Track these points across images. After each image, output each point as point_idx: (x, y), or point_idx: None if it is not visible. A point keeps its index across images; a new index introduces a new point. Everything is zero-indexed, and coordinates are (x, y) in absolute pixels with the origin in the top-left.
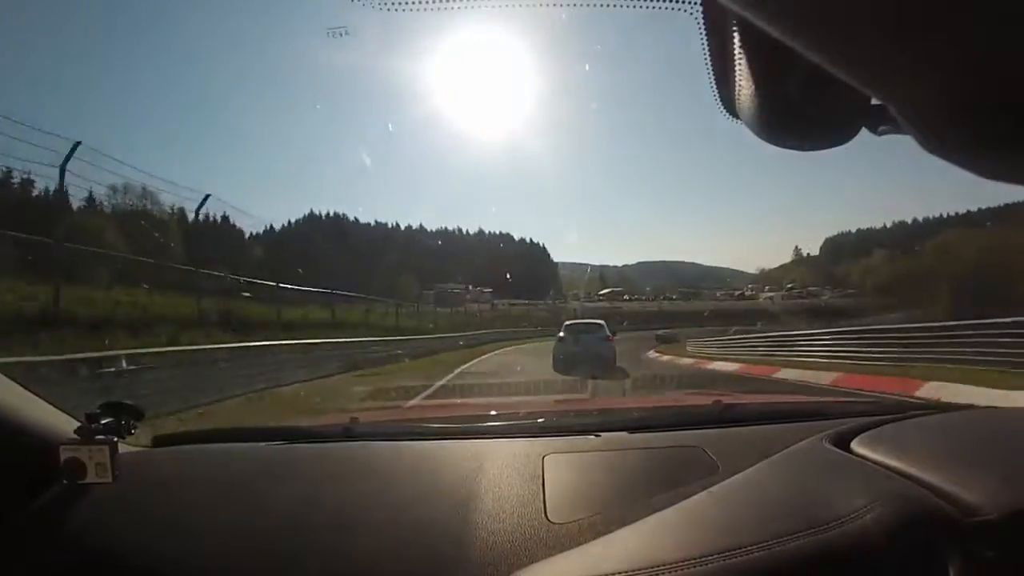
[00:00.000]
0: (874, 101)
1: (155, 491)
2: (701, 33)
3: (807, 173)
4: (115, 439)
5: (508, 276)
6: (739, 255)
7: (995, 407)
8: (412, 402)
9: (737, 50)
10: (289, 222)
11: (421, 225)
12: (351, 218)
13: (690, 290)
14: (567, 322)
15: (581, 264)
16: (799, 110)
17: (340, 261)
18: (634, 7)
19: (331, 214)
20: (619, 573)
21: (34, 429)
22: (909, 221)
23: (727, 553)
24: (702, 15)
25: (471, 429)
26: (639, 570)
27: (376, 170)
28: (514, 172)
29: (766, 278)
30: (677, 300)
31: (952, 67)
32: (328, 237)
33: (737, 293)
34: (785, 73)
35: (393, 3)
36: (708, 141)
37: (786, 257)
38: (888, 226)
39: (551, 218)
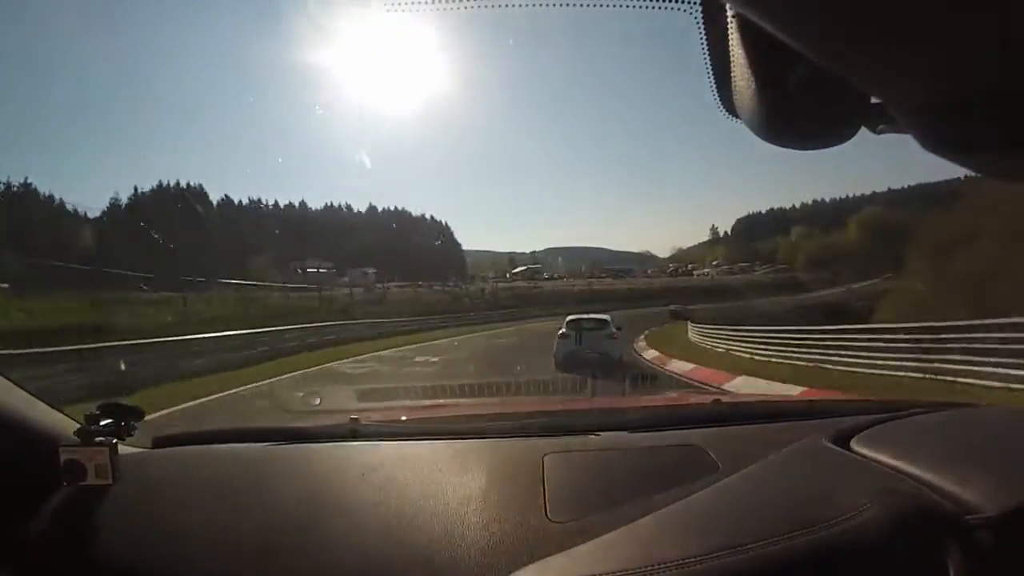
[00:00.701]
0: (873, 100)
1: (155, 492)
2: (701, 33)
3: (718, 157)
4: (115, 440)
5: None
6: (650, 239)
7: (995, 405)
8: (412, 403)
9: (737, 50)
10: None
11: (303, 202)
12: (213, 193)
13: (621, 268)
14: (569, 317)
15: (489, 251)
16: (799, 110)
17: (190, 241)
18: (634, 7)
19: (188, 185)
20: (619, 572)
21: (34, 431)
22: (821, 200)
23: (727, 552)
24: (702, 15)
25: (471, 429)
26: (639, 569)
27: (250, 142)
28: (419, 153)
29: (685, 257)
30: (606, 278)
31: (951, 66)
32: (180, 215)
33: (670, 269)
34: (785, 73)
35: (393, 3)
36: (619, 128)
37: (703, 237)
38: (797, 206)
39: (457, 204)
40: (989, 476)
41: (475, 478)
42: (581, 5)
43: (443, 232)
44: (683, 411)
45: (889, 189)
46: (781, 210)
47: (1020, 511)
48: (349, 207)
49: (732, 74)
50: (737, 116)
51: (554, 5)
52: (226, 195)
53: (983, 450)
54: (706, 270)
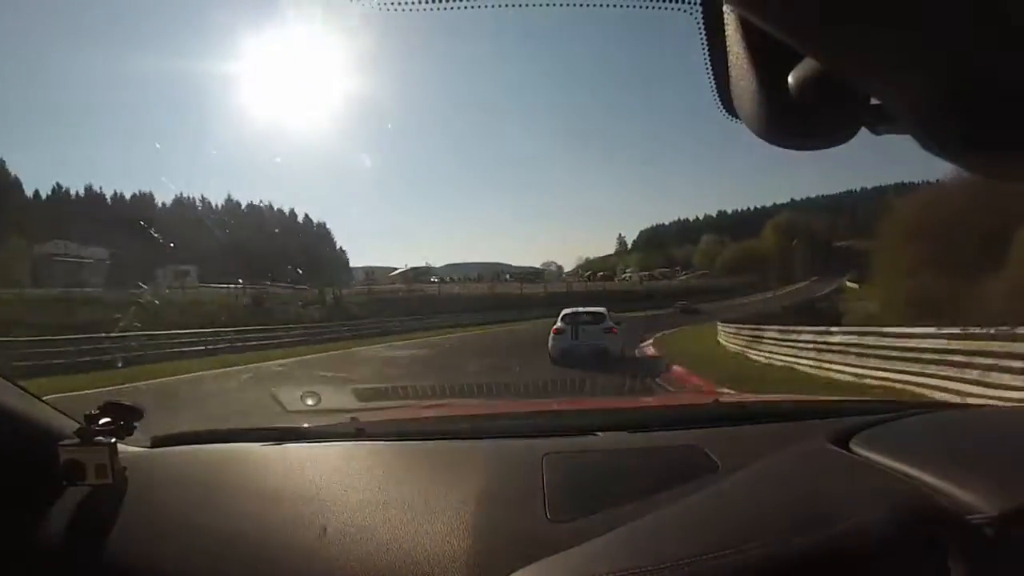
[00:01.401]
0: (874, 100)
1: (155, 492)
2: (701, 33)
3: (622, 172)
4: (114, 440)
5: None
6: (553, 252)
7: (994, 406)
8: (412, 403)
9: (737, 50)
10: None
11: (151, 193)
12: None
13: (530, 269)
14: (564, 311)
15: (385, 267)
16: (799, 110)
17: None
18: (634, 7)
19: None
20: (619, 572)
21: (33, 430)
22: (723, 212)
23: (727, 552)
24: (702, 15)
25: (471, 429)
26: (640, 569)
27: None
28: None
29: (594, 266)
30: (512, 281)
31: (951, 67)
32: None
33: (588, 273)
34: (785, 73)
35: (393, 3)
36: (523, 140)
37: (607, 249)
38: (700, 217)
39: (354, 222)
40: (988, 476)
41: (475, 478)
42: (581, 5)
43: (321, 232)
44: (683, 411)
45: (792, 200)
46: (686, 220)
47: (1019, 511)
48: (206, 201)
49: (732, 74)
50: (737, 116)
51: (562, 5)
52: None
53: (982, 451)
54: (627, 275)
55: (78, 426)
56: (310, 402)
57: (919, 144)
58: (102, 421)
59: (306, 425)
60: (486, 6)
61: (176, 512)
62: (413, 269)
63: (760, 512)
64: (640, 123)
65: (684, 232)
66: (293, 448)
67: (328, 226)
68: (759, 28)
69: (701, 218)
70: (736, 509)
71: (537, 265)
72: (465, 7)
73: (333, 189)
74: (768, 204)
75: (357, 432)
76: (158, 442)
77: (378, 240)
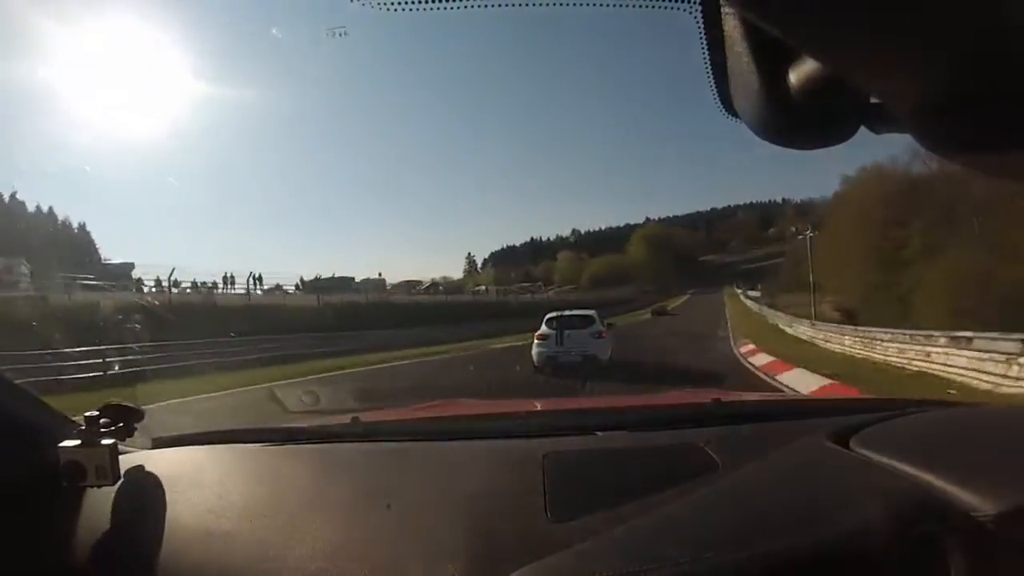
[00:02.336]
0: (873, 100)
1: (156, 493)
2: (701, 33)
3: (472, 197)
4: (115, 441)
5: None
6: (404, 271)
7: (996, 404)
8: (412, 403)
9: (737, 50)
10: None
11: None
12: None
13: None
14: (548, 315)
15: None
16: (799, 110)
17: None
18: (634, 7)
19: None
20: (620, 572)
21: (33, 431)
22: (576, 230)
23: (728, 551)
24: (702, 15)
25: (472, 429)
26: (640, 569)
27: None
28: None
29: (450, 284)
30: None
31: (950, 66)
32: None
33: (426, 286)
34: (785, 73)
35: (393, 3)
36: (373, 159)
37: (457, 269)
38: (551, 238)
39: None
40: (989, 475)
41: (475, 478)
42: (581, 5)
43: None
44: (683, 411)
45: (647, 219)
46: (539, 240)
47: (1020, 510)
48: None
49: (732, 74)
50: (737, 116)
51: (561, 5)
52: None
53: (983, 449)
54: (480, 288)
55: (79, 427)
56: (317, 401)
57: (918, 142)
58: (102, 422)
59: (306, 425)
60: (485, 6)
61: (177, 513)
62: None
63: (760, 511)
64: (496, 149)
65: (538, 250)
66: (294, 448)
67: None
68: (759, 27)
69: (553, 238)
70: (736, 508)
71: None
72: (465, 7)
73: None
74: (622, 224)
75: (357, 432)
76: (159, 443)
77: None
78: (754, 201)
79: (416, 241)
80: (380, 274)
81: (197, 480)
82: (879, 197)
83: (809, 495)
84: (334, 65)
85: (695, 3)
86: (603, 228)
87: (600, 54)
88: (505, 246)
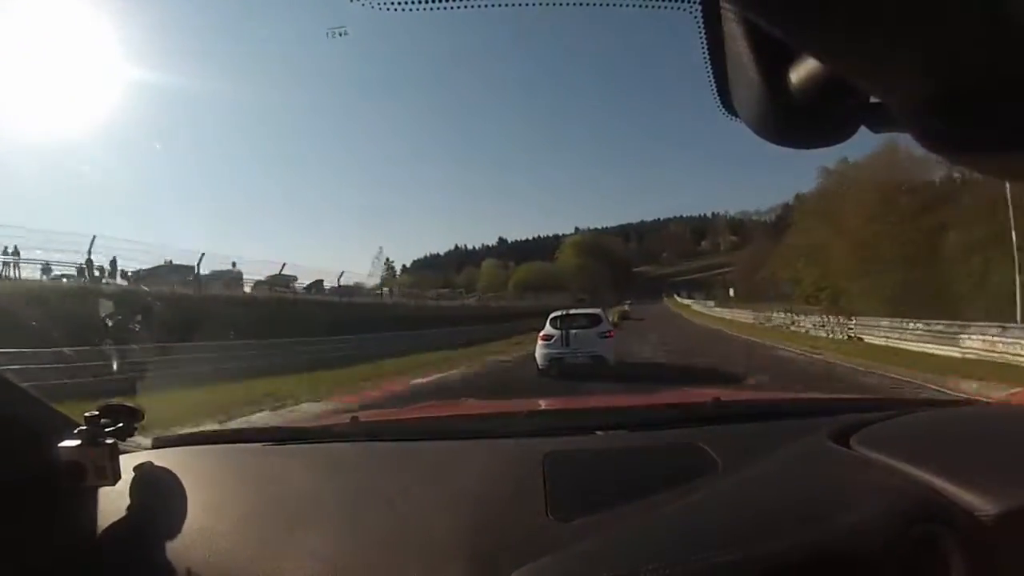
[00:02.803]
0: (873, 99)
1: (155, 493)
2: (701, 33)
3: (393, 205)
4: (115, 441)
5: None
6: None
7: (996, 403)
8: (412, 403)
9: (737, 50)
10: None
11: None
12: None
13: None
14: (553, 314)
15: None
16: (799, 109)
17: None
18: (634, 7)
19: None
20: (620, 572)
21: (33, 431)
22: (503, 239)
23: (728, 551)
24: (702, 15)
25: (472, 428)
26: (640, 569)
27: None
28: None
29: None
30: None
31: (951, 65)
32: None
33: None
34: (785, 72)
35: (393, 3)
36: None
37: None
38: (477, 247)
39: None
40: (990, 474)
41: (475, 478)
42: (580, 4)
43: None
44: (683, 410)
45: (576, 229)
46: (462, 249)
47: (1021, 510)
48: None
49: (731, 73)
50: (737, 116)
51: (561, 5)
52: None
53: (984, 448)
54: (382, 291)
55: (79, 427)
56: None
57: (918, 142)
58: (103, 422)
59: (306, 425)
60: (484, 6)
61: (177, 513)
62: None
63: (761, 511)
64: (424, 160)
65: (463, 259)
66: (294, 448)
67: None
68: (759, 27)
69: (479, 247)
70: (737, 508)
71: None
72: (465, 7)
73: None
74: (550, 234)
75: (357, 432)
76: (159, 443)
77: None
78: (683, 215)
79: (339, 247)
80: (234, 265)
81: (197, 480)
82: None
83: (810, 494)
84: (255, 51)
85: (695, 3)
86: (531, 238)
87: (524, 63)
88: (429, 254)
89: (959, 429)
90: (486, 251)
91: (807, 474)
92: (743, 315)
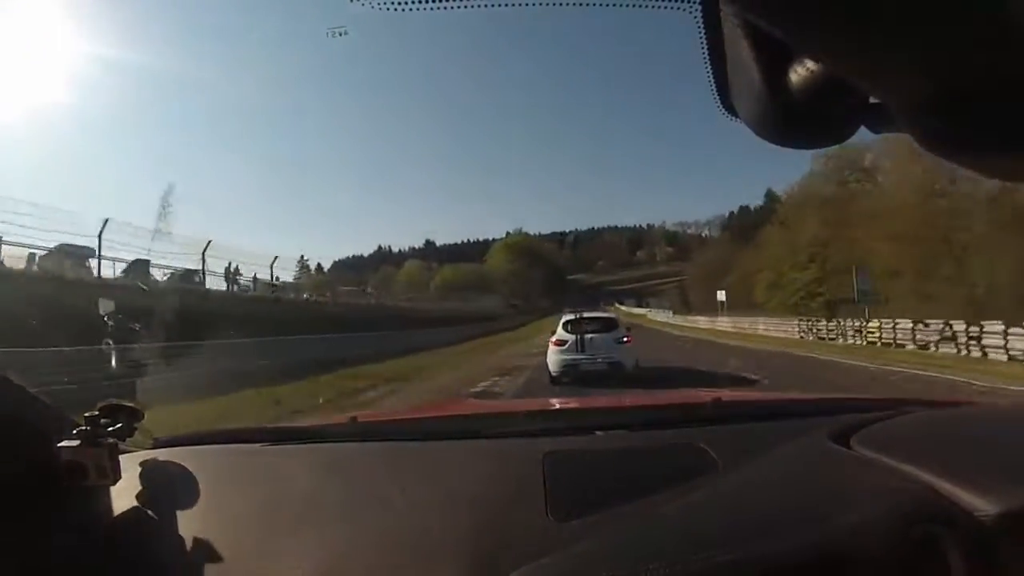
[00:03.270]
0: (873, 100)
1: (156, 492)
2: (701, 33)
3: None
4: (115, 441)
5: None
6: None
7: (997, 403)
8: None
9: (737, 50)
10: None
11: None
12: None
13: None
14: (565, 317)
15: None
16: (799, 109)
17: None
18: (634, 7)
19: None
20: (620, 572)
21: (33, 430)
22: (430, 242)
23: (728, 551)
24: (702, 15)
25: (471, 428)
26: (640, 569)
27: None
28: None
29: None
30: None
31: (951, 65)
32: None
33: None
34: (785, 73)
35: (393, 3)
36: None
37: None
38: (404, 249)
39: None
40: (991, 475)
41: (475, 478)
42: (580, 4)
43: None
44: (683, 410)
45: (508, 232)
46: (385, 250)
47: (1022, 510)
48: None
49: (732, 74)
50: (737, 116)
51: (561, 5)
52: None
53: (985, 449)
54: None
55: (79, 427)
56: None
57: (918, 143)
58: (103, 422)
59: (306, 425)
60: (484, 6)
61: (176, 513)
62: None
63: (761, 511)
64: (344, 162)
65: (387, 260)
66: (293, 448)
67: None
68: (759, 28)
69: (406, 249)
70: (736, 508)
71: None
72: (465, 7)
73: None
74: (481, 238)
75: (357, 432)
76: (159, 443)
77: None
78: (618, 225)
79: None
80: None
81: (197, 480)
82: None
83: (810, 494)
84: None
85: (695, 3)
86: (460, 242)
87: (453, 66)
88: (352, 255)
89: (960, 429)
90: (412, 253)
91: (807, 474)
92: (739, 325)
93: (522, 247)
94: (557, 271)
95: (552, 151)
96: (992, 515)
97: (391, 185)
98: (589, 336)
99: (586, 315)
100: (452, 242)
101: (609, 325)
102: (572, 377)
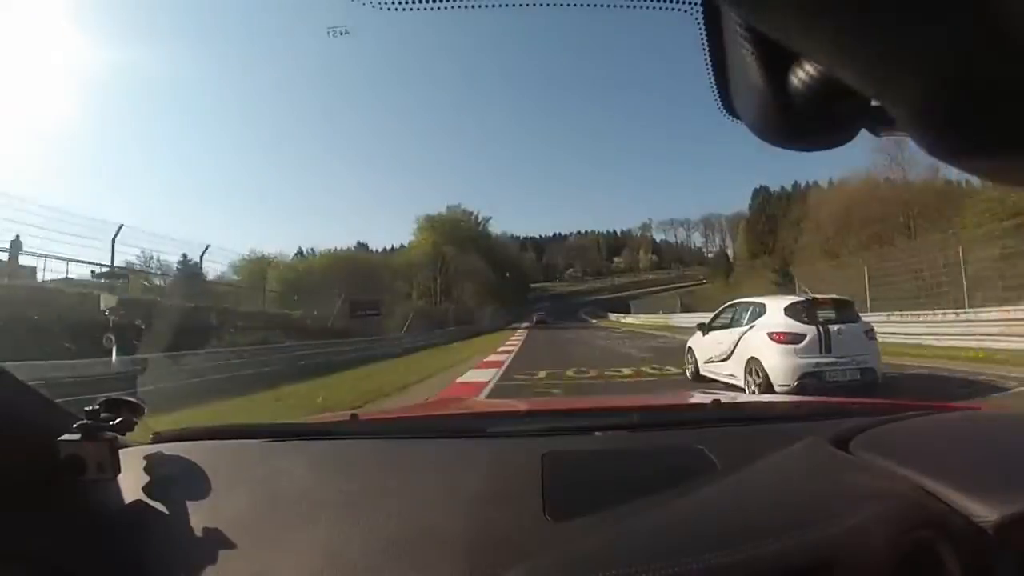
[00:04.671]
0: (874, 101)
1: (156, 488)
2: (701, 33)
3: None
4: (115, 435)
5: None
6: None
7: (996, 408)
8: (412, 401)
9: (737, 50)
10: None
11: None
12: None
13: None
14: (790, 299)
15: None
16: (799, 110)
17: None
18: (635, 7)
19: None
20: (619, 572)
21: (33, 425)
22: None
23: (727, 552)
24: (702, 15)
25: (471, 427)
26: (639, 569)
27: None
28: None
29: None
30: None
31: (951, 66)
32: None
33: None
34: (785, 73)
35: (393, 3)
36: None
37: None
38: (342, 248)
39: None
40: (989, 479)
41: (474, 477)
42: (580, 5)
43: None
44: (683, 411)
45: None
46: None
47: (1020, 515)
48: None
49: (732, 74)
50: (738, 117)
51: (561, 5)
52: None
53: (983, 453)
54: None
55: (79, 421)
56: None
57: (918, 145)
58: (103, 416)
59: (306, 422)
60: (485, 5)
61: (177, 508)
62: None
63: (759, 513)
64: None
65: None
66: (293, 445)
67: None
68: (759, 29)
69: (342, 248)
70: (735, 509)
71: None
72: (465, 7)
73: None
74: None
75: (357, 430)
76: (159, 438)
77: None
78: (586, 230)
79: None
80: None
81: (197, 475)
82: None
83: (809, 497)
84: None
85: (695, 3)
86: (397, 246)
87: (392, 66)
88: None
89: (959, 434)
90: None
91: (806, 477)
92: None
93: (449, 225)
94: (514, 271)
95: (518, 153)
96: (990, 520)
97: (315, 188)
98: (836, 328)
99: (818, 297)
100: (389, 246)
101: (850, 313)
102: (812, 391)
